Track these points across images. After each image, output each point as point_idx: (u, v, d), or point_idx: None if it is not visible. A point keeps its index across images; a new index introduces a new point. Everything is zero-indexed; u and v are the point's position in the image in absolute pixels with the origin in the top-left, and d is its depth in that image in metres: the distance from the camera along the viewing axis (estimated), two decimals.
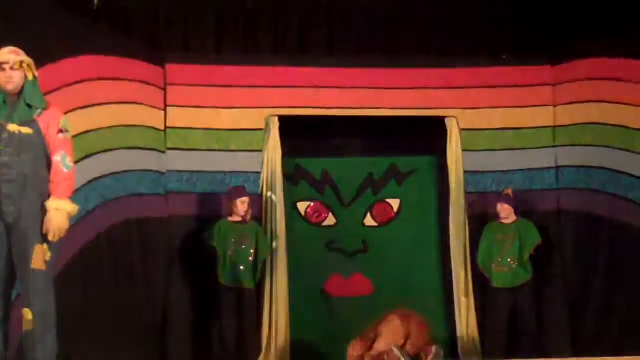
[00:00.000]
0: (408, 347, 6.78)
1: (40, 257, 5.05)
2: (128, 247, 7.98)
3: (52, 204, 5.09)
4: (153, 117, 8.45)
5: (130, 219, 8.02)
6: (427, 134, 8.89)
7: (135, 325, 7.84)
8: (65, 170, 5.17)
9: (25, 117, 5.16)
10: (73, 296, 6.58)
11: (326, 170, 8.86)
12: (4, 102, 5.19)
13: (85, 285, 7.24)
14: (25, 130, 5.14)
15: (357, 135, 8.98)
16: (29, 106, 5.19)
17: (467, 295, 8.55)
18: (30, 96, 5.21)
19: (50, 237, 5.06)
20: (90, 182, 7.56)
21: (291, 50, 8.94)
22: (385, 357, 6.64)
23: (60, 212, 5.08)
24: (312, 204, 8.83)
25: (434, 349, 6.69)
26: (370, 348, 6.86)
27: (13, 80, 5.17)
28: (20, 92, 5.20)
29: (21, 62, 5.20)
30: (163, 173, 8.44)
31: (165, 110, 8.54)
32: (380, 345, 6.79)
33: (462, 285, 8.57)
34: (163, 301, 8.25)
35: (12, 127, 5.12)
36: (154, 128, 8.44)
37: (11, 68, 5.16)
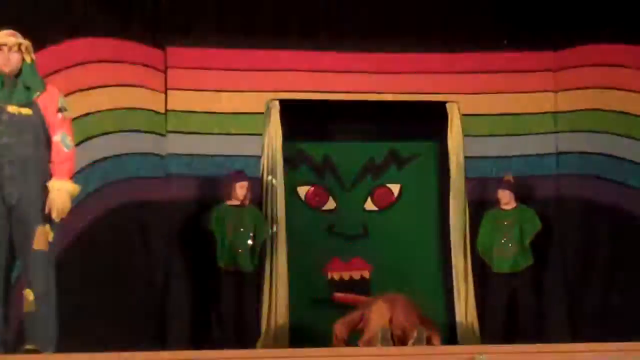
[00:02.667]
0: (393, 329, 6.79)
1: (42, 238, 5.06)
2: (128, 229, 8.02)
3: (54, 184, 5.10)
4: (153, 100, 8.45)
5: (130, 201, 8.06)
6: (428, 119, 8.89)
7: (134, 307, 7.89)
8: (65, 150, 5.17)
9: (24, 98, 5.16)
10: (73, 277, 6.62)
11: (327, 155, 8.88)
12: (2, 84, 5.18)
13: (85, 266, 7.31)
14: (25, 111, 5.15)
15: (358, 120, 8.96)
16: (28, 88, 5.19)
17: (466, 280, 8.58)
18: (28, 78, 5.21)
19: (54, 217, 5.09)
20: (90, 164, 7.63)
21: (292, 33, 8.92)
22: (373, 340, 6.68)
23: (62, 192, 5.08)
24: (313, 188, 8.84)
25: (415, 332, 6.68)
26: (354, 327, 6.90)
27: (10, 62, 5.16)
28: (18, 74, 5.20)
29: (19, 45, 5.19)
30: (163, 156, 8.44)
31: (165, 93, 8.53)
32: (370, 331, 6.81)
33: (461, 270, 8.60)
34: (162, 284, 8.28)
35: (12, 109, 5.12)
36: (154, 111, 8.44)
37: (9, 50, 5.16)
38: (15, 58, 5.18)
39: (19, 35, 5.25)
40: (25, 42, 5.26)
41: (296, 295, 8.43)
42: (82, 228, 7.40)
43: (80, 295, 6.87)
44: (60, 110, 5.24)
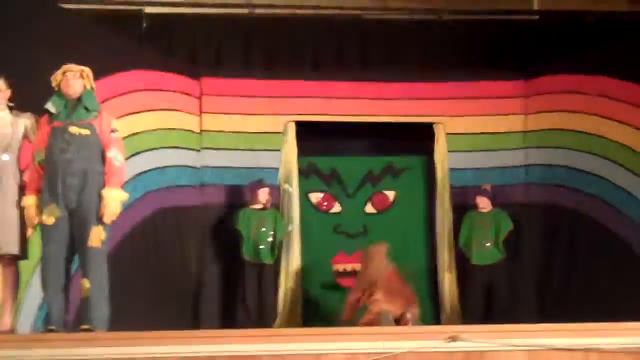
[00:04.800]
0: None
1: (96, 237, 5.14)
2: (168, 229, 8.08)
3: (107, 192, 5.17)
4: (190, 122, 8.51)
5: (170, 206, 8.13)
6: (418, 137, 8.89)
7: (173, 293, 7.95)
8: (117, 164, 5.25)
9: (83, 119, 5.25)
10: (123, 269, 6.68)
11: (334, 167, 8.88)
12: (66, 105, 5.28)
13: (132, 259, 7.37)
14: (84, 131, 5.22)
15: (359, 138, 9.01)
16: (87, 110, 5.27)
17: (450, 271, 8.58)
18: (88, 102, 5.30)
19: (105, 220, 5.15)
20: (138, 175, 7.67)
21: (306, 66, 8.98)
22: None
23: (113, 199, 5.18)
24: (322, 194, 8.85)
25: (408, 315, 6.68)
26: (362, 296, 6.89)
27: (74, 87, 5.26)
28: (79, 98, 5.30)
29: (81, 72, 5.31)
30: (198, 168, 8.50)
31: (200, 116, 8.60)
32: (374, 308, 6.79)
33: (446, 262, 8.59)
34: (196, 274, 8.33)
35: (73, 129, 5.21)
36: (190, 131, 8.51)
37: (73, 76, 5.27)
38: (78, 84, 5.27)
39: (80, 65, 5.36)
40: (86, 70, 5.35)
41: (308, 283, 8.48)
42: (131, 228, 7.43)
43: (128, 283, 6.90)
44: (113, 131, 5.32)
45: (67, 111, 5.27)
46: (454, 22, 9.22)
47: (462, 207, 8.69)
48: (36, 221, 5.21)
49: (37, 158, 5.28)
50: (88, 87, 5.34)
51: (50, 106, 5.29)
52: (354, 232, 8.81)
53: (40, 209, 5.19)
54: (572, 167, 8.59)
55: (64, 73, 5.29)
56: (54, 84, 5.33)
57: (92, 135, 5.24)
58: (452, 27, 9.22)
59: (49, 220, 5.14)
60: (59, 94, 5.30)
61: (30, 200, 5.24)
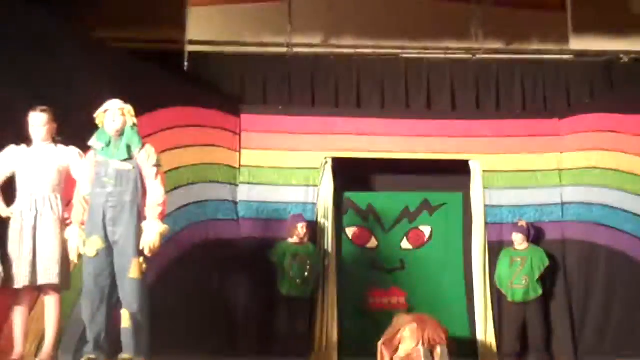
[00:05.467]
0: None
1: (137, 268, 5.20)
2: (207, 261, 8.05)
3: (147, 224, 5.22)
4: (229, 158, 8.55)
5: (209, 239, 8.14)
6: (455, 174, 8.84)
7: (213, 324, 7.90)
8: (157, 197, 5.31)
9: (125, 155, 5.32)
10: (163, 301, 6.67)
11: (370, 203, 8.86)
12: (109, 142, 5.36)
13: (172, 292, 7.36)
14: (126, 166, 5.30)
15: (396, 174, 8.95)
16: (129, 146, 5.34)
17: (486, 308, 8.45)
18: (129, 138, 5.36)
19: (146, 252, 5.19)
20: (178, 208, 7.71)
21: (343, 103, 9.03)
22: (414, 355, 6.54)
23: (153, 231, 5.20)
24: (358, 229, 8.82)
25: (438, 348, 6.53)
26: (393, 346, 6.76)
27: (115, 123, 5.34)
28: (121, 134, 5.36)
29: (122, 109, 5.37)
30: (236, 202, 8.51)
31: (239, 152, 8.64)
32: (404, 350, 6.66)
33: (482, 299, 8.47)
34: (234, 306, 8.27)
35: (115, 164, 5.30)
36: (230, 166, 8.53)
37: (114, 114, 5.35)
38: (119, 120, 5.35)
39: (122, 102, 5.44)
40: (127, 107, 5.42)
41: (343, 317, 8.40)
42: (171, 260, 7.46)
43: (168, 314, 6.89)
44: (155, 165, 5.37)
45: (110, 147, 5.35)
46: (490, 60, 9.23)
47: (498, 243, 8.60)
48: (79, 252, 5.24)
49: (83, 192, 5.34)
50: (130, 124, 5.40)
51: (93, 142, 5.41)
52: (390, 267, 8.75)
53: (82, 239, 5.23)
54: (607, 205, 8.48)
55: (106, 111, 5.37)
56: (97, 120, 5.40)
57: (134, 169, 5.33)
58: (488, 65, 9.22)
59: (91, 251, 5.19)
60: (102, 130, 5.39)
61: (73, 232, 5.29)
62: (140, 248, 5.20)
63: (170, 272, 7.41)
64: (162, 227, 5.27)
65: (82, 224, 5.31)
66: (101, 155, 5.34)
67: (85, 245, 5.22)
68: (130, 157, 5.33)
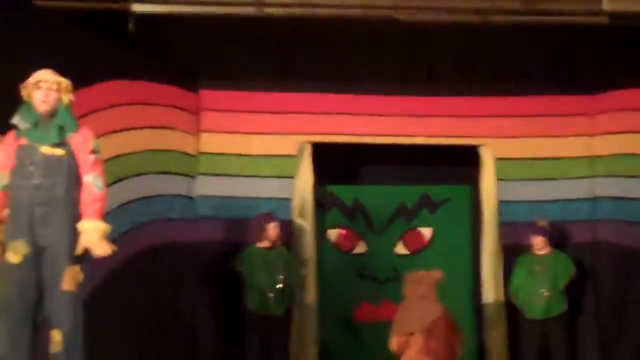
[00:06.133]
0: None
1: (71, 279, 5.13)
2: (157, 270, 8.08)
3: (86, 224, 5.18)
4: (185, 143, 8.59)
5: (160, 243, 8.15)
6: (461, 163, 8.92)
7: (162, 348, 7.92)
8: (97, 191, 5.24)
9: (58, 139, 5.24)
10: (101, 318, 6.67)
11: (357, 198, 8.91)
12: (36, 123, 5.27)
13: (113, 307, 7.34)
14: (58, 151, 5.21)
15: (389, 163, 9.03)
16: (61, 128, 5.27)
17: (498, 326, 8.54)
18: (63, 118, 5.29)
19: (99, 253, 5.13)
20: (120, 206, 7.67)
21: (324, 76, 9.03)
22: None
23: (94, 231, 5.17)
24: (343, 231, 8.87)
25: None
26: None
27: (48, 100, 5.26)
28: (52, 114, 5.30)
29: (59, 83, 5.33)
30: (193, 198, 8.55)
31: (197, 135, 8.68)
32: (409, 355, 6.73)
33: (494, 316, 8.56)
34: (191, 325, 8.32)
35: (45, 149, 5.21)
36: (186, 153, 8.58)
37: (48, 88, 5.28)
38: (52, 97, 5.27)
39: (56, 74, 5.38)
40: (65, 81, 5.35)
41: (325, 339, 8.44)
42: (112, 269, 7.41)
43: (108, 336, 6.90)
44: (92, 151, 5.31)
45: (37, 128, 5.28)
46: (503, 24, 9.24)
47: (514, 248, 8.65)
48: None
49: (1, 183, 5.30)
50: (65, 101, 5.36)
51: (18, 120, 5.29)
52: (382, 278, 8.80)
53: (3, 244, 5.22)
54: None
55: (37, 83, 5.32)
56: (23, 93, 5.36)
57: (67, 157, 5.25)
58: (501, 30, 9.23)
59: (15, 258, 5.15)
60: (29, 106, 5.30)
61: None
62: (75, 254, 5.15)
63: (110, 285, 7.38)
64: (103, 227, 5.22)
65: (0, 223, 5.29)
66: (26, 138, 5.26)
67: (6, 250, 5.20)
68: (62, 142, 5.26)
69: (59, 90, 5.32)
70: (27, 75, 5.42)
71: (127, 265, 7.68)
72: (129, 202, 7.86)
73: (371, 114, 8.90)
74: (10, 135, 5.33)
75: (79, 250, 5.15)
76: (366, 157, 8.99)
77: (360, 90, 8.99)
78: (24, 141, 5.26)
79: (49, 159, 5.23)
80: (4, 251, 5.20)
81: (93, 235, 5.16)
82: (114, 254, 7.11)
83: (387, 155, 8.95)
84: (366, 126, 8.85)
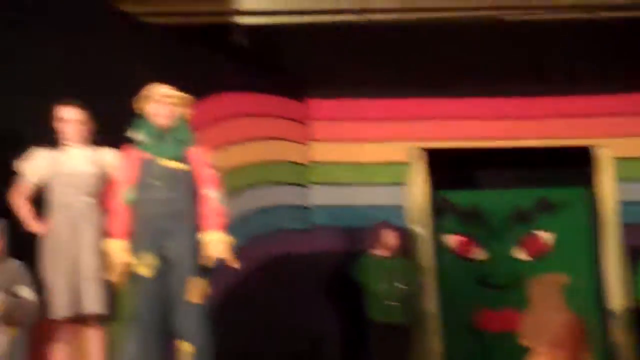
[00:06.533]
0: None
1: (196, 290, 5.15)
2: (276, 281, 8.08)
3: (213, 235, 5.20)
4: (296, 153, 8.61)
5: (277, 253, 8.17)
6: (579, 165, 8.74)
7: (286, 356, 7.91)
8: (221, 205, 5.29)
9: (177, 152, 5.29)
10: (225, 328, 6.67)
11: (473, 203, 8.80)
12: (157, 137, 5.29)
13: (235, 317, 7.39)
14: (179, 165, 5.26)
15: (505, 167, 8.89)
16: (179, 142, 5.31)
17: (627, 333, 8.30)
18: (182, 132, 5.34)
19: (231, 263, 5.18)
20: (237, 218, 7.72)
21: (435, 81, 8.92)
22: None
23: (223, 243, 5.21)
24: (460, 237, 8.77)
25: None
26: None
27: (171, 115, 5.31)
28: (171, 128, 5.32)
29: (181, 98, 5.34)
30: (308, 208, 8.57)
31: (308, 145, 8.69)
32: None
33: (622, 321, 8.34)
34: (311, 335, 8.29)
35: (167, 163, 5.25)
36: (298, 163, 8.60)
37: (172, 103, 5.31)
38: (175, 112, 5.32)
39: (173, 89, 5.37)
40: (188, 97, 5.40)
41: (446, 348, 8.33)
42: (231, 283, 7.47)
43: (232, 346, 6.89)
44: (211, 166, 5.35)
45: (157, 142, 5.32)
46: (613, 19, 9.05)
47: (637, 250, 8.36)
48: (124, 270, 5.22)
49: (127, 197, 5.32)
50: (185, 115, 5.39)
51: (138, 134, 5.34)
52: (502, 284, 8.65)
53: (129, 256, 5.22)
54: None
55: (160, 98, 5.32)
56: (139, 107, 5.38)
57: (186, 171, 5.28)
58: (611, 25, 9.05)
59: (145, 271, 5.17)
60: (146, 121, 5.34)
61: (116, 245, 5.26)
62: (200, 265, 5.16)
63: (233, 296, 7.43)
64: (229, 239, 5.26)
65: (125, 235, 5.31)
66: (147, 152, 5.30)
67: (136, 263, 5.22)
68: (181, 156, 5.30)
69: (180, 105, 5.34)
70: (140, 90, 5.45)
71: (246, 276, 7.68)
72: (245, 214, 7.88)
73: (482, 118, 8.81)
74: (131, 149, 5.36)
75: (206, 261, 5.17)
76: (480, 161, 8.85)
77: (470, 93, 8.89)
78: (145, 155, 5.29)
79: (171, 172, 5.26)
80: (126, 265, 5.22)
81: (220, 247, 5.20)
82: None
83: (500, 159, 8.81)
84: (478, 130, 8.76)
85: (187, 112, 5.42)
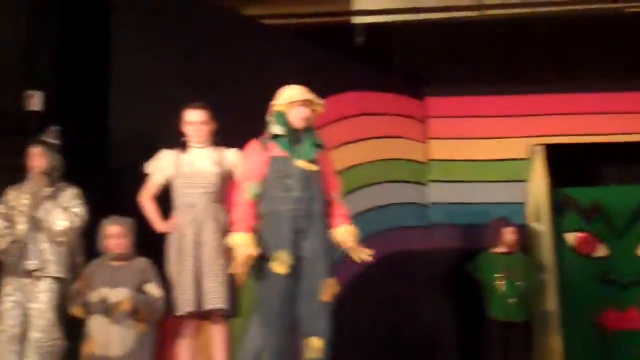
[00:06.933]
0: None
1: (329, 290, 5.30)
2: (394, 279, 8.09)
3: (342, 228, 5.38)
4: (414, 151, 8.60)
5: (395, 251, 8.15)
6: None
7: (404, 351, 7.95)
8: (345, 205, 5.49)
9: (311, 154, 5.38)
10: (344, 325, 6.72)
11: (595, 200, 8.59)
12: (292, 139, 5.38)
13: (353, 314, 7.38)
14: (313, 167, 5.36)
15: (627, 162, 8.63)
16: (314, 144, 5.40)
17: None
18: (315, 134, 5.44)
19: (357, 256, 5.39)
20: (356, 216, 7.73)
21: (552, 77, 8.81)
22: None
23: (350, 234, 5.39)
24: (582, 234, 8.56)
25: None
26: None
27: (310, 118, 5.41)
28: (306, 130, 5.42)
29: (312, 101, 5.41)
30: (426, 206, 8.55)
31: (426, 143, 8.68)
32: None
33: None
34: (430, 333, 8.31)
35: (300, 164, 5.34)
36: (415, 161, 8.59)
37: (311, 108, 5.41)
38: (309, 114, 5.42)
39: (308, 92, 5.46)
40: (323, 103, 5.47)
41: (568, 347, 8.19)
42: (351, 277, 7.52)
43: (352, 340, 6.97)
44: (334, 170, 5.47)
45: (293, 143, 5.39)
46: None
47: None
48: (248, 263, 5.26)
49: (252, 192, 5.39)
50: (315, 117, 5.49)
51: (277, 129, 5.40)
52: (627, 282, 8.37)
53: (254, 249, 5.25)
54: None
55: (302, 101, 5.39)
56: (276, 108, 5.44)
57: (318, 172, 5.39)
58: None
59: (280, 268, 5.26)
60: (283, 119, 5.40)
61: (241, 239, 5.29)
62: (331, 265, 5.31)
63: (351, 293, 7.41)
64: (355, 230, 5.44)
65: (250, 230, 5.36)
66: (284, 151, 5.36)
67: (272, 260, 5.29)
68: (314, 158, 5.38)
69: (313, 106, 5.44)
70: (264, 92, 5.55)
71: (366, 274, 7.72)
72: (363, 213, 7.90)
73: (603, 112, 8.63)
74: (258, 145, 5.43)
75: (339, 251, 5.35)
76: (601, 157, 8.64)
77: (589, 88, 8.73)
78: (277, 153, 5.37)
79: (306, 173, 5.34)
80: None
81: (349, 238, 5.35)
82: (352, 263, 7.28)
83: (622, 154, 8.58)
84: (599, 125, 8.59)
85: (319, 114, 5.49)
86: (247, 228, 5.30)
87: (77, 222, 5.68)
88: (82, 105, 6.52)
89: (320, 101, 5.46)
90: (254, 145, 5.47)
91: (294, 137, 5.38)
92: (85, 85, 6.56)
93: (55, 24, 6.69)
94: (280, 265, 5.25)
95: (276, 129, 5.40)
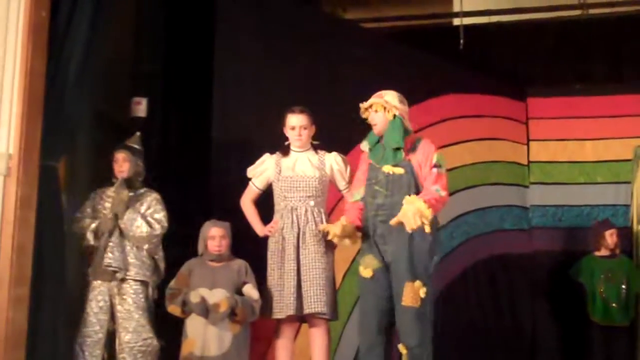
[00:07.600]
0: None
1: (410, 294, 5.13)
2: (493, 282, 8.06)
3: (409, 199, 5.02)
4: (515, 152, 8.53)
5: (494, 254, 8.12)
6: None
7: (503, 354, 7.89)
8: (437, 193, 5.17)
9: (396, 158, 5.32)
10: (441, 328, 6.70)
11: None
12: (377, 143, 5.39)
13: (453, 317, 7.40)
14: (398, 170, 5.30)
15: None
16: (395, 148, 5.32)
17: None
18: (390, 135, 5.34)
19: (409, 226, 4.93)
20: (455, 218, 7.73)
21: None
22: None
23: (414, 205, 4.94)
24: None
25: None
26: None
27: (379, 122, 5.37)
28: (384, 134, 5.36)
29: (379, 105, 5.36)
30: (526, 208, 8.46)
31: (527, 144, 8.58)
32: None
33: None
34: (531, 336, 8.23)
35: (386, 169, 5.31)
36: (516, 163, 8.51)
37: (375, 111, 5.37)
38: (379, 118, 5.37)
39: (383, 95, 5.40)
40: (381, 101, 5.37)
41: None
42: (449, 282, 7.51)
43: (449, 344, 6.93)
44: (435, 166, 5.34)
45: (377, 149, 5.41)
46: None
47: None
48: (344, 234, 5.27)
49: (357, 197, 5.46)
50: (389, 117, 5.38)
51: (364, 145, 5.47)
52: None
53: (344, 231, 5.28)
54: None
55: (369, 107, 5.41)
56: (363, 114, 5.47)
57: (407, 174, 5.31)
58: None
59: (366, 272, 5.30)
60: (369, 126, 5.44)
61: (341, 221, 5.31)
62: (414, 270, 5.13)
63: (448, 297, 7.44)
64: (422, 205, 4.91)
65: (355, 221, 5.38)
66: (372, 158, 5.40)
67: (359, 264, 5.33)
68: (402, 159, 5.32)
69: (384, 109, 5.38)
70: (365, 96, 5.55)
71: (465, 277, 7.72)
72: (462, 215, 7.89)
73: None
74: (363, 155, 5.52)
75: (393, 221, 5.03)
76: None
77: None
78: (372, 161, 5.43)
79: (391, 178, 5.31)
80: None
81: (410, 209, 4.94)
82: (452, 264, 7.25)
83: None
84: None
85: (394, 114, 5.36)
86: (353, 219, 5.40)
87: (158, 229, 5.79)
88: (186, 110, 6.66)
89: (382, 102, 5.36)
90: (362, 154, 5.54)
91: (377, 143, 5.41)
92: (188, 90, 6.70)
93: (162, 29, 6.85)
94: (365, 269, 5.29)
95: (363, 143, 5.49)
